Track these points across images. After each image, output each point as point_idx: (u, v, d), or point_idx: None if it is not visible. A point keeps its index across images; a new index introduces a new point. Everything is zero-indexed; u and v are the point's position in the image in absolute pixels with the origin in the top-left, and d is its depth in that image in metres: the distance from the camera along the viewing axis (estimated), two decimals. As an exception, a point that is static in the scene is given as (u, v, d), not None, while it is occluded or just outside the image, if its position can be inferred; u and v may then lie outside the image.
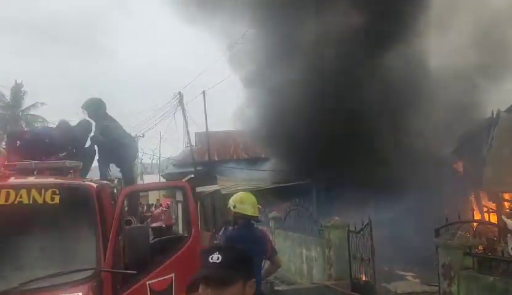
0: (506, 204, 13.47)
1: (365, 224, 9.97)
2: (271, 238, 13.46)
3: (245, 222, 5.74)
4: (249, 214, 5.72)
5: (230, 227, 6.68)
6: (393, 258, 13.74)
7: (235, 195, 6.02)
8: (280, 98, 20.57)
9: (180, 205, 23.83)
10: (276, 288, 10.64)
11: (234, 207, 5.77)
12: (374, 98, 17.31)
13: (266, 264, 6.18)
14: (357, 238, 10.24)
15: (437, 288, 9.69)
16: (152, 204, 28.75)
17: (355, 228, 10.26)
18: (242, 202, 5.77)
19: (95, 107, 7.51)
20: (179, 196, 24.68)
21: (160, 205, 27.59)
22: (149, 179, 39.86)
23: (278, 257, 6.18)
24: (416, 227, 14.46)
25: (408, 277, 12.70)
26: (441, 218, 10.65)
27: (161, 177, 33.07)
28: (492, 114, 13.40)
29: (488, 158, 13.23)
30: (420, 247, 14.03)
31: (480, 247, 6.91)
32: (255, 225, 5.98)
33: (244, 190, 12.50)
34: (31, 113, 38.17)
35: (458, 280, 6.63)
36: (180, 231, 19.37)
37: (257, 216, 5.86)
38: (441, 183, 14.76)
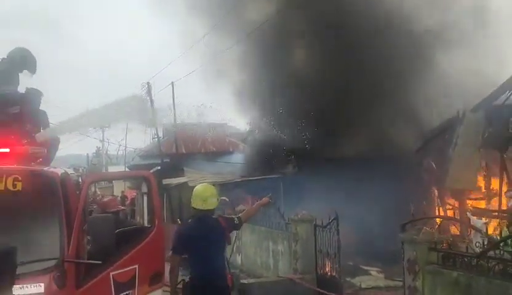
0: (469, 202, 13.76)
1: (331, 218, 10.01)
2: (236, 233, 13.49)
3: (199, 214, 5.79)
4: (197, 207, 5.77)
5: None
6: (358, 253, 13.92)
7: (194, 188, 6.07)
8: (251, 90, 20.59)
9: (145, 197, 23.55)
10: (241, 281, 10.62)
11: (191, 202, 5.87)
12: (345, 92, 17.44)
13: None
14: (323, 233, 10.28)
15: (400, 283, 9.83)
16: (117, 196, 28.30)
17: (322, 222, 10.29)
18: (195, 195, 5.82)
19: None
20: (145, 188, 24.39)
21: (126, 197, 27.18)
22: (115, 170, 39.19)
23: (245, 217, 6.34)
24: (380, 222, 14.68)
25: (372, 272, 12.87)
26: (406, 214, 10.82)
27: (127, 169, 32.59)
28: (458, 113, 13.64)
29: (452, 157, 13.48)
30: (384, 242, 14.27)
31: (444, 243, 7.01)
32: (214, 216, 5.98)
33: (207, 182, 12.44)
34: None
35: (422, 275, 6.72)
36: (146, 223, 19.19)
37: (205, 209, 5.78)
38: (406, 180, 14.98)
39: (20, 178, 4.33)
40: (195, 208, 5.80)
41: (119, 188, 32.57)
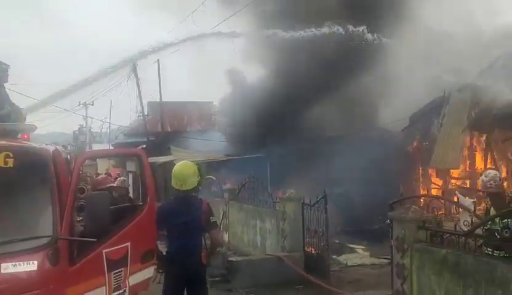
0: (453, 181, 13.93)
1: (319, 197, 10.07)
2: (223, 211, 13.51)
3: (181, 193, 5.79)
4: (175, 187, 5.79)
5: None
6: (343, 231, 14.08)
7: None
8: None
9: (130, 175, 23.43)
10: (229, 259, 10.67)
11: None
12: (328, 73, 17.38)
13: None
14: (311, 211, 10.34)
15: (385, 261, 9.98)
16: (101, 174, 28.04)
17: (310, 201, 10.35)
18: (173, 176, 5.82)
19: None
20: (130, 166, 24.23)
21: (110, 175, 27.00)
22: (99, 148, 38.75)
23: (216, 232, 6.03)
24: (365, 201, 14.82)
25: (358, 250, 13.02)
26: (390, 193, 10.90)
27: (111, 147, 32.30)
28: (444, 93, 13.71)
29: (438, 137, 13.58)
30: (369, 221, 14.44)
31: (433, 222, 7.06)
32: (199, 197, 6.01)
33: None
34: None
35: (410, 253, 6.78)
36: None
37: (183, 190, 5.76)
38: (392, 159, 15.10)
39: (11, 155, 4.24)
40: (174, 188, 5.81)
41: (103, 166, 32.28)
